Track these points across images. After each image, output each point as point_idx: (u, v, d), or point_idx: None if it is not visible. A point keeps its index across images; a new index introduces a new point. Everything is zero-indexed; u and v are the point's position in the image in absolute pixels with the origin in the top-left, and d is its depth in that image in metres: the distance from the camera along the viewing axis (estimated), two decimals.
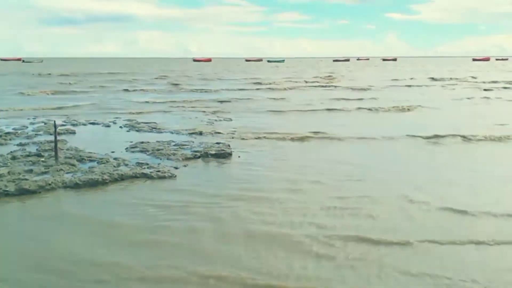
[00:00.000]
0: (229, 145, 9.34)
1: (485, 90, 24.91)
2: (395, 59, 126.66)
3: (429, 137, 10.47)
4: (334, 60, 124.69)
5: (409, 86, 28.45)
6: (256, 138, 10.47)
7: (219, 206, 5.79)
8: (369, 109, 16.11)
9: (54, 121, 8.33)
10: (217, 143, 9.63)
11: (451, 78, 35.34)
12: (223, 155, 8.61)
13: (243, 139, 10.42)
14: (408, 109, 16.03)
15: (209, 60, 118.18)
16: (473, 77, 36.40)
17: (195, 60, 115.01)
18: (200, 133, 11.03)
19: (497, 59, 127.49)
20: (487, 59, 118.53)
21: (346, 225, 5.18)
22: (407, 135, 10.72)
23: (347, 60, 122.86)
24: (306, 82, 32.09)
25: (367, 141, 10.27)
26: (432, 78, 35.69)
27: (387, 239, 4.76)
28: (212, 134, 11.03)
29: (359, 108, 16.46)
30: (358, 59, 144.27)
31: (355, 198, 6.14)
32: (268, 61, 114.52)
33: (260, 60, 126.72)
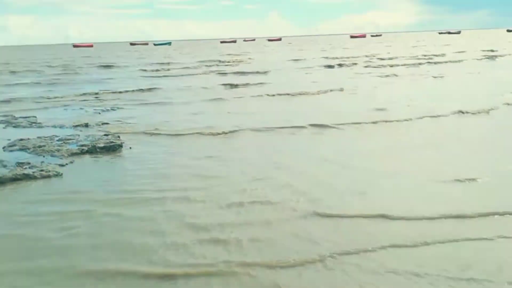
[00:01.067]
0: (118, 137, 9.00)
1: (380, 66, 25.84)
2: (279, 39, 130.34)
3: (315, 125, 9.84)
4: (221, 42, 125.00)
5: (307, 68, 27.27)
6: (147, 131, 9.81)
7: (98, 214, 5.21)
8: (271, 95, 15.22)
9: None
10: (106, 134, 9.24)
11: (349, 57, 35.24)
12: (112, 148, 8.27)
13: (134, 132, 9.80)
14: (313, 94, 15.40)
15: (90, 45, 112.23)
16: (367, 56, 36.80)
17: (75, 46, 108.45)
18: (86, 125, 10.46)
19: (372, 35, 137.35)
20: (363, 36, 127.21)
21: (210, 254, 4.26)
22: (310, 124, 9.89)
23: (234, 41, 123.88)
24: (202, 66, 30.85)
25: (252, 133, 9.47)
26: (326, 57, 35.95)
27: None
28: (99, 125, 10.53)
29: (258, 95, 15.37)
30: (244, 40, 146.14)
31: (213, 206, 5.37)
32: (155, 44, 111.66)
33: (146, 43, 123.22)
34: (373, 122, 10.04)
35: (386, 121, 10.12)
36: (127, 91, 17.14)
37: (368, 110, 11.59)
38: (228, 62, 34.71)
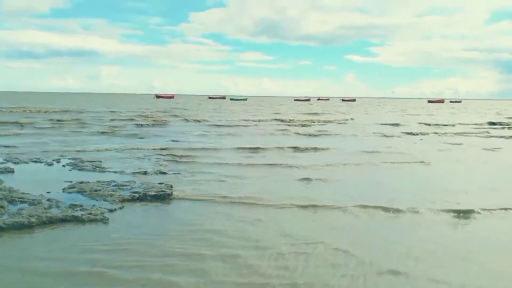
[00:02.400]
0: (171, 186, 9.20)
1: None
2: (354, 100, 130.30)
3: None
4: (295, 100, 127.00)
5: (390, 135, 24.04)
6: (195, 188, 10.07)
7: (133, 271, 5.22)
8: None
9: None
10: (160, 183, 9.49)
11: (438, 124, 32.20)
12: (162, 197, 8.46)
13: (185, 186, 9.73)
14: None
15: (171, 96, 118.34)
16: (461, 123, 33.29)
17: (158, 97, 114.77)
18: (145, 173, 10.85)
19: (451, 101, 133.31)
20: (441, 101, 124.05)
21: None
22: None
23: (308, 100, 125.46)
24: (274, 125, 30.04)
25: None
26: (425, 123, 32.94)
27: None
28: (157, 174, 10.87)
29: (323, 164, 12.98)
30: (318, 99, 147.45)
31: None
32: (231, 99, 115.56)
33: (223, 97, 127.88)
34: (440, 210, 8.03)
35: (452, 210, 8.02)
36: (192, 149, 16.74)
37: (448, 192, 9.49)
38: (301, 122, 32.96)
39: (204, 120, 33.04)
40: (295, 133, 24.49)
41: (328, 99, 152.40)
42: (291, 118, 36.16)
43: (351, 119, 38.36)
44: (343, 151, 16.36)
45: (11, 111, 36.48)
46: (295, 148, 16.93)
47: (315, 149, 16.91)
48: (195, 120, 33.08)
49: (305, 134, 23.62)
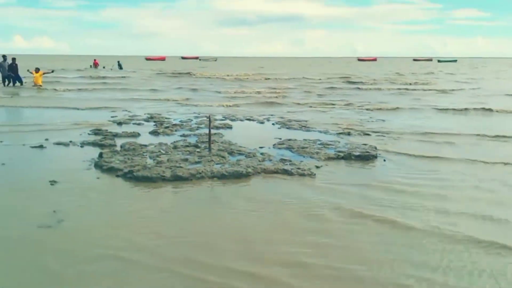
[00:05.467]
0: (375, 147, 9.11)
1: None
2: None
3: None
4: None
5: None
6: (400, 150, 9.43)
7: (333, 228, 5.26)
8: None
9: (209, 116, 9.11)
10: (364, 144, 9.47)
11: None
12: (366, 157, 8.45)
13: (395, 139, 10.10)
14: None
15: (374, 59, 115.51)
16: None
17: (359, 60, 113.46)
18: (348, 133, 10.96)
19: None
20: None
21: None
22: None
23: None
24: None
25: None
26: None
27: None
28: (360, 135, 10.88)
29: None
30: None
31: None
32: (439, 61, 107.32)
33: (430, 59, 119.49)
34: None
35: None
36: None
37: None
38: None
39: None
40: None
41: None
42: None
43: None
44: None
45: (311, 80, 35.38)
46: None
47: None
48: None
49: None
